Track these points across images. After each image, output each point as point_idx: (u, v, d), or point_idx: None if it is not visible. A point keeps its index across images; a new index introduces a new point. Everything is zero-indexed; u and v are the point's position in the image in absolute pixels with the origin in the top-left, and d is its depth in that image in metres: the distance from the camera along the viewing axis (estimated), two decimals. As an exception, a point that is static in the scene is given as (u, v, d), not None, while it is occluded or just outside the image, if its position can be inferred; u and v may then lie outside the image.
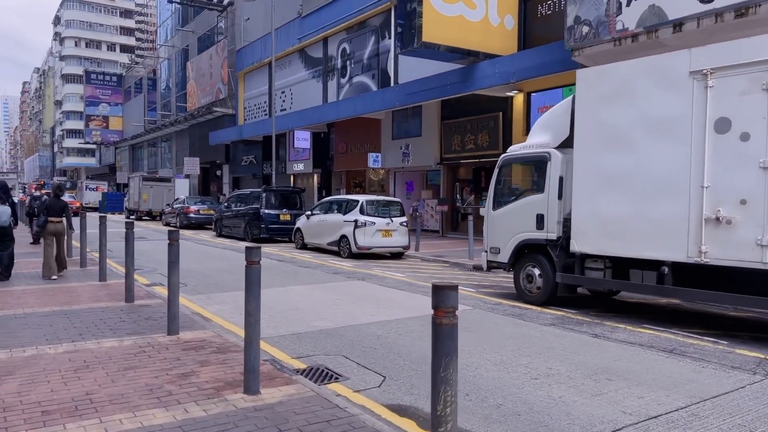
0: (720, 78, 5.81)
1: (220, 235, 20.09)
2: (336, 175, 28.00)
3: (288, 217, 17.69)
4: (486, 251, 8.57)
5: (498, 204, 8.40)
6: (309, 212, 15.67)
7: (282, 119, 29.08)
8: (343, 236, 13.73)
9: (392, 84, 22.26)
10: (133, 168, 57.82)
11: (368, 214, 13.49)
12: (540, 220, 7.67)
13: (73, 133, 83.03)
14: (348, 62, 25.81)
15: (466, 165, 19.98)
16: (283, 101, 31.53)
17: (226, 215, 19.79)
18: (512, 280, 8.33)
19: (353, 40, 25.30)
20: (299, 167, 29.32)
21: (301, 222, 15.93)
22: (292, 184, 30.29)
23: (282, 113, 30.69)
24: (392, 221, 13.58)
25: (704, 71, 5.91)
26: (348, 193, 26.84)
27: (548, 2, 16.58)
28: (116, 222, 28.37)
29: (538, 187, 7.82)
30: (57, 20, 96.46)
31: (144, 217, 31.32)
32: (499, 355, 5.52)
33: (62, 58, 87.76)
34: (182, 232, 23.43)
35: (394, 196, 20.22)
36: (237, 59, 35.83)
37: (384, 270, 11.62)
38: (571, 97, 7.63)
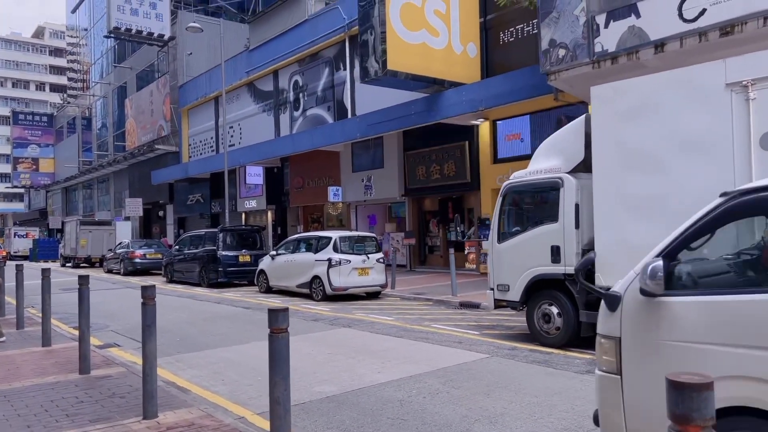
0: (763, 89, 5.30)
1: (171, 281, 18.50)
2: (292, 211, 26.86)
3: (248, 259, 16.44)
4: (492, 289, 7.76)
5: (504, 236, 7.64)
6: (273, 252, 14.51)
7: (232, 155, 27.76)
8: (316, 277, 12.64)
9: (349, 116, 21.58)
10: (67, 212, 54.43)
11: (342, 252, 12.50)
12: (555, 253, 6.95)
13: (-2, 177, 78.04)
14: (301, 95, 25.02)
15: (432, 196, 19.35)
16: (232, 136, 30.26)
17: (178, 259, 18.26)
18: (514, 317, 7.56)
19: (306, 72, 24.57)
20: (251, 204, 28.00)
21: (264, 263, 14.72)
22: (243, 222, 28.87)
23: (231, 148, 29.37)
24: (368, 258, 12.64)
25: (744, 82, 5.40)
26: (306, 230, 25.74)
27: (510, 29, 16.39)
28: (53, 271, 25.86)
29: (551, 216, 7.12)
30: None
31: (82, 264, 28.96)
32: (562, 420, 4.63)
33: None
34: (128, 279, 21.66)
35: (356, 231, 19.30)
36: (180, 95, 34.41)
37: (367, 313, 10.61)
38: (583, 117, 7.04)
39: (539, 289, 7.22)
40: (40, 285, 7.95)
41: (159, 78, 35.78)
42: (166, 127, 34.80)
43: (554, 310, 7.06)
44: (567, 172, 7.02)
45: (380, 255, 12.93)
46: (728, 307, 2.59)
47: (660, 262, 2.70)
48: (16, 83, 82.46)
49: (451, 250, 12.94)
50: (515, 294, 7.39)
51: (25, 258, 40.66)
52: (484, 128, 17.07)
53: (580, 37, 11.39)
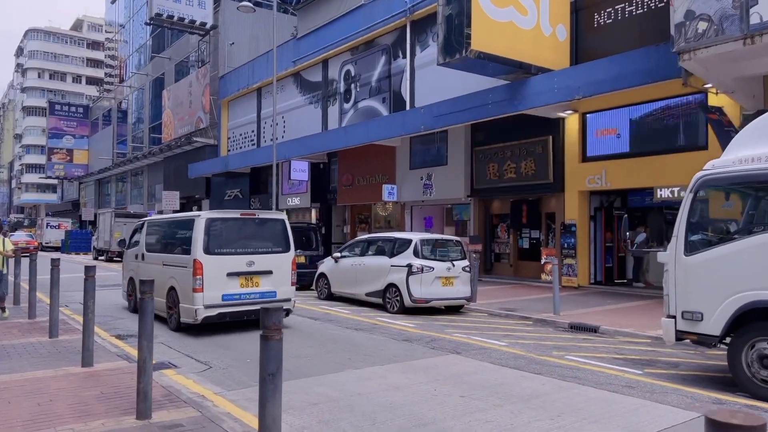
0: None
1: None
2: (338, 210, 25.15)
3: (303, 260, 14.69)
4: (673, 316, 5.81)
5: (695, 246, 5.70)
6: (337, 254, 12.73)
7: (271, 149, 26.28)
8: (391, 285, 10.81)
9: (408, 107, 19.77)
10: (99, 204, 53.72)
11: (424, 257, 10.65)
12: (785, 271, 4.99)
13: (32, 167, 78.22)
14: (353, 85, 23.30)
15: (503, 197, 17.40)
16: (275, 130, 28.71)
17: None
18: (666, 348, 5.61)
19: (359, 61, 22.85)
20: (295, 201, 26.38)
21: (326, 267, 12.97)
22: (284, 221, 27.26)
23: (272, 143, 27.85)
24: (453, 266, 10.76)
25: None
26: (353, 231, 24.01)
27: (607, 9, 14.40)
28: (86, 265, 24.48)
29: (778, 220, 5.17)
30: (19, 51, 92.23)
31: (116, 258, 27.68)
32: None
33: (24, 89, 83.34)
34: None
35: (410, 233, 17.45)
36: (220, 86, 33.05)
37: (465, 333, 8.74)
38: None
39: (753, 319, 5.27)
40: (83, 285, 6.26)
41: (199, 68, 34.49)
42: (205, 119, 33.48)
43: (778, 351, 5.10)
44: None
45: (466, 263, 11.04)
46: None
47: None
48: (53, 75, 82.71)
49: (554, 260, 11.02)
50: (714, 326, 5.45)
51: (57, 249, 39.80)
52: (572, 122, 15.09)
53: (730, 6, 9.36)
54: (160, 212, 35.27)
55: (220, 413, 4.72)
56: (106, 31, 70.86)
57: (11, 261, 12.51)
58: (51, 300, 7.70)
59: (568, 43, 15.02)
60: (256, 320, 8.16)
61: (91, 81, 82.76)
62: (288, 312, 9.32)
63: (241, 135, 31.80)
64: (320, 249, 15.62)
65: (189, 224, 9.06)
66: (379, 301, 11.17)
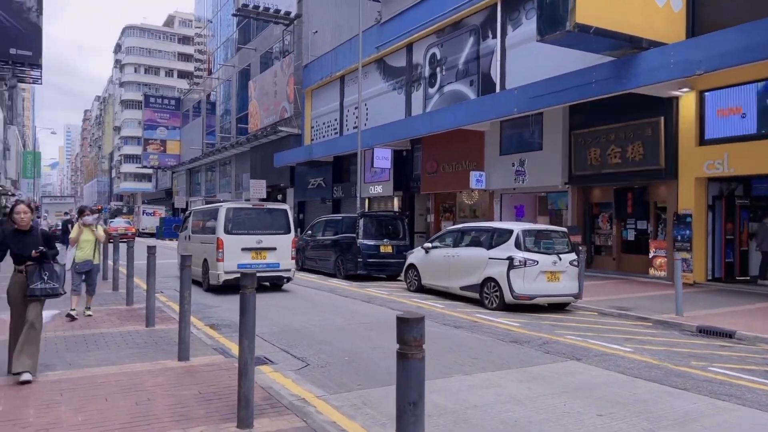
0: None
1: (302, 269, 16.76)
2: (421, 199, 24.54)
3: (390, 249, 14.25)
4: None
5: None
6: (428, 244, 12.12)
7: (354, 137, 26.03)
8: (490, 279, 10.07)
9: (498, 90, 18.76)
10: (190, 193, 56.08)
11: (527, 249, 9.81)
12: None
13: (130, 158, 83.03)
14: (438, 69, 22.50)
15: (605, 185, 16.09)
16: (357, 117, 28.47)
17: (311, 245, 16.46)
18: None
19: (445, 43, 22.00)
20: (377, 190, 26.00)
21: (416, 257, 12.39)
22: (359, 208, 26.99)
23: (356, 130, 27.62)
24: (560, 259, 9.86)
25: None
26: (437, 220, 23.34)
27: (733, -27, 12.76)
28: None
29: None
30: (118, 48, 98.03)
31: (205, 245, 28.49)
32: None
33: (122, 84, 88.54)
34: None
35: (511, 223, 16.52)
36: (303, 75, 33.19)
37: (579, 336, 7.88)
38: None
39: None
40: (180, 275, 6.00)
41: (283, 58, 34.82)
42: (289, 108, 33.79)
43: None
44: None
45: (573, 256, 10.10)
46: None
47: None
48: (148, 69, 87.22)
49: (677, 255, 9.82)
50: None
51: (152, 235, 41.85)
52: (687, 101, 13.60)
53: None
54: (247, 200, 36.17)
55: (325, 423, 4.24)
56: (195, 27, 73.87)
57: (109, 249, 12.84)
58: (148, 288, 7.60)
59: (684, 14, 13.52)
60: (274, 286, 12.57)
61: (182, 74, 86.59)
62: (288, 279, 12.36)
63: (324, 124, 31.82)
64: (407, 239, 15.08)
65: (215, 212, 12.12)
66: (475, 295, 10.46)
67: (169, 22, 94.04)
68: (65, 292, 5.51)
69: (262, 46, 40.50)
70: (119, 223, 38.79)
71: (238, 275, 9.53)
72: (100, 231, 8.71)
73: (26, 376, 4.90)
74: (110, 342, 6.64)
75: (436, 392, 5.14)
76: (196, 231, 13.17)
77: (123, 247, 12.32)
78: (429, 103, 23.04)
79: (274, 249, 11.83)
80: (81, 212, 8.73)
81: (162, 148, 62.29)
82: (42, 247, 5.21)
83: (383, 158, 24.03)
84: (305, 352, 6.72)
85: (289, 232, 12.22)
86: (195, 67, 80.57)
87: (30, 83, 30.52)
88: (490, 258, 10.15)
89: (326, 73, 30.82)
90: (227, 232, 11.55)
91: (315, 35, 33.29)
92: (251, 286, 3.97)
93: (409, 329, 2.48)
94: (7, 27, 22.17)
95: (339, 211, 29.01)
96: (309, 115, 33.44)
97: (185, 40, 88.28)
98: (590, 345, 7.24)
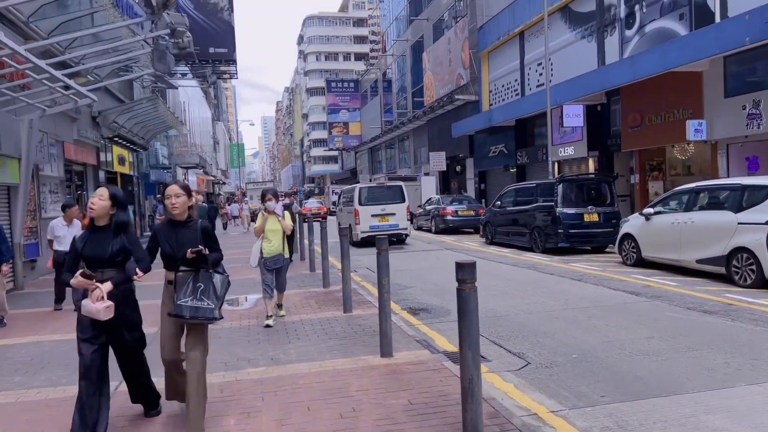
0: None
1: (492, 243, 15.70)
2: (621, 158, 21.75)
3: (595, 218, 12.50)
4: None
5: None
6: (649, 209, 10.22)
7: (541, 95, 23.92)
8: (740, 250, 8.01)
9: (717, 19, 15.48)
10: (373, 171, 57.95)
11: (794, 211, 7.58)
12: None
13: (318, 142, 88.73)
14: (637, 7, 19.47)
15: None
16: (540, 75, 26.23)
17: (501, 217, 15.28)
18: None
19: (644, -25, 18.86)
20: (567, 152, 23.73)
21: (632, 225, 10.57)
22: (555, 174, 24.84)
23: (540, 88, 25.45)
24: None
25: None
26: (643, 180, 20.50)
27: None
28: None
29: None
30: (300, 39, 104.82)
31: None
32: None
33: (306, 73, 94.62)
34: (441, 238, 19.90)
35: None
36: (479, 38, 31.57)
37: None
38: None
39: None
40: (376, 259, 5.34)
41: (456, 23, 33.54)
42: (465, 75, 32.54)
43: None
44: None
45: None
46: None
47: None
48: (328, 56, 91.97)
49: None
50: None
51: (341, 213, 43.90)
52: None
53: None
54: (426, 174, 35.99)
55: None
56: (368, 8, 75.72)
57: (304, 228, 13.00)
58: (343, 271, 7.18)
59: None
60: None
61: (359, 57, 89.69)
62: (407, 236, 17.37)
63: (503, 86, 30.02)
64: (615, 204, 13.12)
65: (353, 191, 17.50)
66: (719, 270, 8.45)
67: (344, 6, 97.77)
68: (222, 317, 3.79)
69: (434, 14, 39.60)
70: (312, 204, 41.51)
71: (371, 234, 15.49)
72: (288, 220, 6.90)
73: None
74: (310, 332, 6.30)
75: (715, 412, 3.76)
76: (345, 204, 18.33)
77: (317, 226, 12.41)
78: (627, 47, 20.13)
79: (394, 214, 16.80)
80: (263, 197, 6.87)
81: (345, 130, 65.26)
82: (201, 247, 3.63)
83: (574, 115, 21.75)
84: (520, 345, 5.69)
85: (403, 201, 16.95)
86: (370, 48, 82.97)
87: (228, 79, 33.29)
88: (739, 223, 8.06)
89: (503, 31, 28.88)
90: (361, 204, 16.64)
91: (488, -7, 31.39)
92: (471, 281, 3.01)
93: None
94: (205, 28, 24.12)
95: (524, 178, 27.23)
96: (486, 80, 31.83)
97: (360, 22, 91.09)
98: None
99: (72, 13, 11.06)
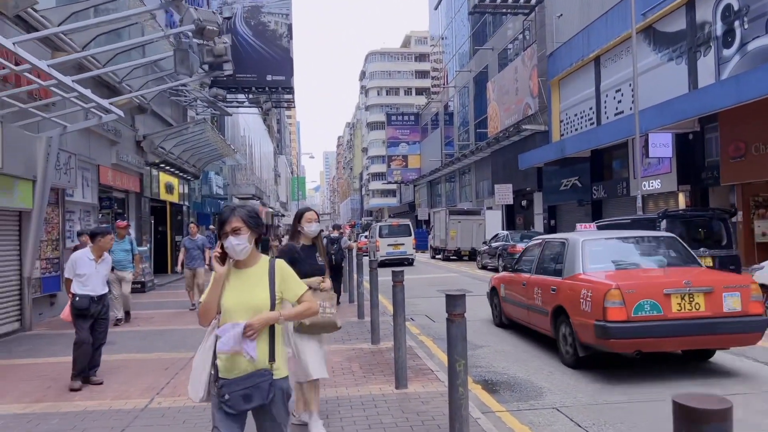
0: None
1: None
2: (718, 192, 19.07)
3: (709, 262, 10.15)
4: None
5: None
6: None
7: (619, 123, 21.69)
8: None
9: None
10: (432, 204, 56.20)
11: None
12: None
13: (377, 176, 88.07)
14: (737, 23, 17.13)
15: None
16: (619, 102, 23.97)
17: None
18: None
19: (747, -14, 16.58)
20: (653, 185, 21.22)
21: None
22: (641, 209, 22.21)
23: (619, 116, 23.14)
24: None
25: None
26: (747, 216, 17.72)
27: None
28: (423, 264, 24.17)
29: None
30: (362, 75, 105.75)
31: (452, 257, 26.80)
32: None
33: (367, 108, 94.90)
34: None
35: None
36: (548, 65, 29.68)
37: None
38: None
39: None
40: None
41: (525, 50, 31.78)
42: (533, 104, 30.57)
43: None
44: None
45: None
46: None
47: None
48: (389, 91, 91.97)
49: None
50: None
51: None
52: None
53: None
54: (489, 208, 33.81)
55: None
56: (430, 44, 75.18)
57: (353, 263, 11.28)
58: (395, 332, 5.36)
59: None
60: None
61: (420, 91, 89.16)
62: (413, 260, 24.74)
63: (575, 115, 27.83)
64: (733, 246, 10.73)
65: (372, 226, 29.84)
66: None
67: (406, 42, 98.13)
68: None
69: (499, 44, 38.04)
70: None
71: (388, 258, 23.71)
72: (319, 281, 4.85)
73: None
74: (346, 417, 4.47)
75: None
76: (369, 237, 25.03)
77: (365, 260, 10.67)
78: (725, 68, 17.73)
79: (403, 244, 24.34)
80: (221, 224, 4.27)
81: (404, 163, 64.09)
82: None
83: (662, 145, 19.30)
84: None
85: (410, 235, 24.93)
86: (432, 84, 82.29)
87: (285, 107, 32.54)
88: None
89: (576, 57, 26.87)
90: (380, 236, 24.46)
91: (559, 19, 29.56)
92: None
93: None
94: (263, 56, 23.37)
95: (601, 214, 24.69)
96: (557, 108, 29.74)
97: (421, 57, 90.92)
98: None
99: (109, 24, 10.05)
